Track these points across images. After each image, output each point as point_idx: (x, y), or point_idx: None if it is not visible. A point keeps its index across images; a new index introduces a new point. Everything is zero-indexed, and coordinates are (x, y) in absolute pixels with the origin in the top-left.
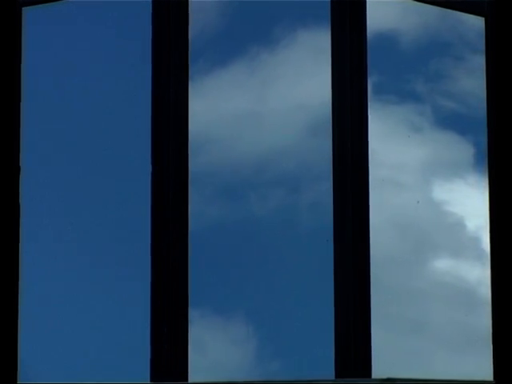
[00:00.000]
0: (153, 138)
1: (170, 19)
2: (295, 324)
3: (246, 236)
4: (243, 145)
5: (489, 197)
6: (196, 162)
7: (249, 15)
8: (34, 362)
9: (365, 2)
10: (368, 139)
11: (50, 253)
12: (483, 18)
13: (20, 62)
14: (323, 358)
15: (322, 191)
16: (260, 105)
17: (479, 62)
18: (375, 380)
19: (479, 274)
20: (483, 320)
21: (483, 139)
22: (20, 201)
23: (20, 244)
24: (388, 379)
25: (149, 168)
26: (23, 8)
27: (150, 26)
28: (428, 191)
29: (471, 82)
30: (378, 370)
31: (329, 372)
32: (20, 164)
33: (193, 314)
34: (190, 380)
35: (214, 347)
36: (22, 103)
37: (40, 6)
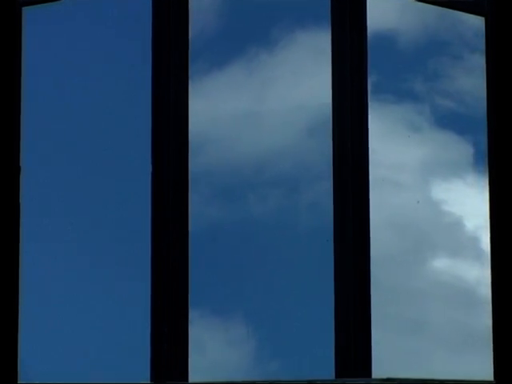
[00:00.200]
0: (153, 138)
1: (170, 19)
2: (295, 324)
3: (245, 236)
4: (243, 145)
5: (489, 197)
6: (196, 162)
7: (248, 16)
8: (34, 362)
9: (365, 1)
10: (368, 139)
11: (50, 253)
12: (483, 18)
13: (20, 62)
14: (323, 358)
15: (322, 191)
16: (259, 105)
17: (478, 61)
18: (375, 380)
19: (478, 274)
20: (483, 320)
21: (482, 139)
22: (20, 201)
23: (20, 244)
24: (388, 379)
25: (149, 168)
26: (23, 8)
27: (150, 26)
28: (427, 191)
29: (470, 82)
30: (378, 370)
31: (329, 372)
32: (20, 164)
33: (192, 314)
34: (189, 380)
35: (213, 347)
36: (21, 103)
37: (40, 5)
